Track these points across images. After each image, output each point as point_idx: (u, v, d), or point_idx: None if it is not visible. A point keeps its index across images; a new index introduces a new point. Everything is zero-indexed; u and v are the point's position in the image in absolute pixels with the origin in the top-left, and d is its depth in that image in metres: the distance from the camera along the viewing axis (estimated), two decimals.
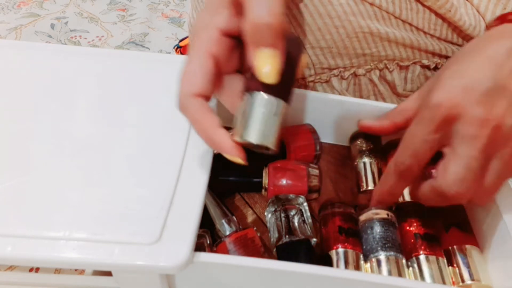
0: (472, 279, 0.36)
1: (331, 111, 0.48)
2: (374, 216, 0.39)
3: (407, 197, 0.42)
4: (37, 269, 0.43)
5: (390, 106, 0.46)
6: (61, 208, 0.31)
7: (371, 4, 0.48)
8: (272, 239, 0.39)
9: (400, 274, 0.36)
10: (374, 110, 0.47)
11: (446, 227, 0.39)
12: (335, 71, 0.51)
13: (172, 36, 0.84)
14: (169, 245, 0.29)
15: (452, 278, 0.37)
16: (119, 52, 0.51)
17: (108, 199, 0.32)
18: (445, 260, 0.37)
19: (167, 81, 0.42)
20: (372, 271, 0.37)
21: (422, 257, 0.37)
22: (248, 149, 0.44)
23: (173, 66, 0.44)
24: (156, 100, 0.40)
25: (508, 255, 0.35)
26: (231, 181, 0.44)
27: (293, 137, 0.45)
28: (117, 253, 0.29)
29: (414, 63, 0.54)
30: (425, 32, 0.52)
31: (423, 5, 0.50)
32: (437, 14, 0.51)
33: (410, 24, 0.51)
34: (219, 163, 0.47)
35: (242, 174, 0.44)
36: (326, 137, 0.51)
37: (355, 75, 0.52)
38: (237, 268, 0.32)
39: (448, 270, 0.37)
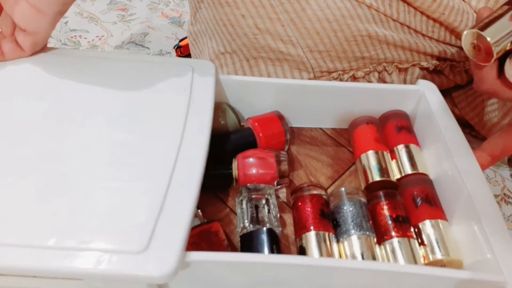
0: (443, 254, 0.36)
1: (298, 96, 0.48)
2: (345, 195, 0.40)
3: (377, 177, 0.43)
4: None
5: (349, 84, 0.47)
6: (48, 216, 0.30)
7: (369, 7, 0.48)
8: (238, 229, 0.39)
9: (372, 253, 0.37)
10: (340, 91, 0.47)
11: (416, 203, 0.40)
12: (334, 74, 0.51)
13: (172, 36, 0.84)
14: (157, 254, 0.29)
15: (424, 257, 0.37)
16: (114, 55, 0.51)
17: (97, 207, 0.31)
18: (416, 241, 0.38)
19: (162, 83, 0.42)
20: (344, 251, 0.37)
21: (394, 240, 0.37)
22: (218, 139, 0.43)
23: (168, 68, 0.44)
24: (150, 102, 0.40)
25: (475, 229, 0.35)
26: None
27: (263, 126, 0.45)
28: (105, 262, 0.28)
29: (413, 65, 0.54)
30: (423, 35, 0.53)
31: (418, 9, 0.50)
32: (435, 20, 0.51)
33: (408, 27, 0.51)
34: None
35: (212, 168, 0.42)
36: (296, 121, 0.51)
37: (354, 77, 0.53)
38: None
39: (419, 250, 0.38)
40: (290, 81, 0.48)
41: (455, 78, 0.57)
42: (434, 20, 0.51)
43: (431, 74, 0.56)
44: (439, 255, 0.36)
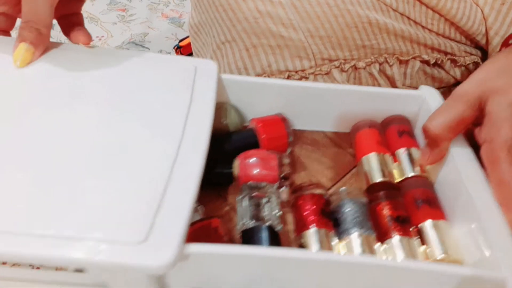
0: (444, 253, 0.36)
1: (300, 98, 0.48)
2: (345, 195, 0.40)
3: (378, 178, 0.43)
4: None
5: (352, 88, 0.47)
6: (48, 205, 0.30)
7: None
8: (238, 226, 0.39)
9: (372, 251, 0.37)
10: (342, 94, 0.47)
11: (417, 204, 0.40)
12: (336, 63, 0.51)
13: (172, 36, 0.84)
14: (156, 244, 0.29)
15: (425, 257, 0.37)
16: (117, 51, 0.51)
17: (98, 196, 0.31)
18: (417, 241, 0.38)
19: (164, 81, 0.42)
20: (344, 250, 0.37)
21: (395, 239, 0.37)
22: (220, 139, 0.43)
23: (170, 67, 0.43)
24: (151, 99, 0.40)
25: (475, 228, 0.35)
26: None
27: (265, 129, 0.45)
28: (103, 252, 0.28)
29: (414, 58, 0.54)
30: (423, 27, 0.53)
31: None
32: (433, 9, 0.52)
33: (408, 18, 0.52)
34: None
35: (213, 166, 0.42)
36: (297, 123, 0.51)
37: (355, 68, 0.53)
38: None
39: (420, 250, 0.37)
40: (292, 82, 0.48)
41: (455, 74, 0.57)
42: (433, 10, 0.52)
43: (431, 68, 0.56)
44: (440, 255, 0.36)
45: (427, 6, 0.51)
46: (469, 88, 0.38)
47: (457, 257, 0.36)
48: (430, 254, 0.37)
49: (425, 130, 0.39)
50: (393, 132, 0.47)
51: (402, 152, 0.45)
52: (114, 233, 0.29)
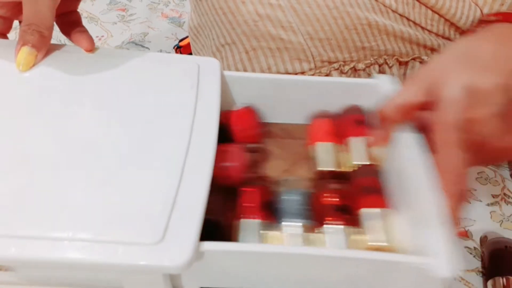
0: (383, 241, 0.36)
1: (256, 90, 0.47)
2: (288, 185, 0.40)
3: (326, 167, 0.43)
4: None
5: (309, 78, 0.47)
6: (64, 209, 0.31)
7: None
8: None
9: (310, 241, 0.37)
10: (299, 85, 0.46)
11: (363, 193, 0.40)
12: (335, 65, 0.52)
13: (172, 36, 0.84)
14: (172, 244, 0.29)
15: (363, 245, 0.37)
16: (119, 51, 0.51)
17: (111, 199, 0.32)
18: (356, 229, 0.38)
19: (168, 80, 0.42)
20: (283, 239, 0.37)
21: (334, 228, 0.37)
22: None
23: (174, 66, 0.44)
24: (158, 98, 0.40)
25: (413, 216, 0.36)
26: None
27: (236, 120, 0.45)
28: (121, 254, 0.28)
29: (413, 59, 0.54)
30: (422, 28, 0.53)
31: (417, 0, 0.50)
32: (432, 9, 0.52)
33: (408, 19, 0.52)
34: None
35: None
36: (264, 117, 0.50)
37: (354, 69, 0.53)
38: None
39: (358, 238, 0.37)
40: (248, 74, 0.47)
41: None
42: (432, 10, 0.52)
43: None
44: (375, 243, 0.36)
45: (426, 6, 0.51)
46: (424, 72, 0.37)
47: (395, 245, 0.36)
48: (368, 242, 0.37)
49: (379, 115, 0.39)
50: (347, 122, 0.47)
51: (353, 141, 0.45)
52: (130, 234, 0.29)
